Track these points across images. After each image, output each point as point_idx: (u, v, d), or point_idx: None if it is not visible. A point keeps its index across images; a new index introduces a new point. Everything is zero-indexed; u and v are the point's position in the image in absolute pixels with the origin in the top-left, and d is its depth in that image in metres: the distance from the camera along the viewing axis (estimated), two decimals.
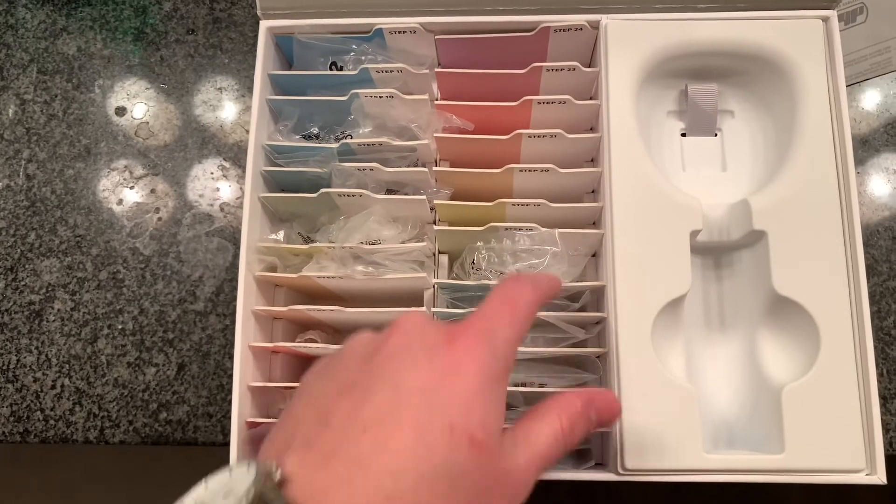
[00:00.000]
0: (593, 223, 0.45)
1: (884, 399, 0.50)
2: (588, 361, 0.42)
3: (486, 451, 0.25)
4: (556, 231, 0.41)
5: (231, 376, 0.53)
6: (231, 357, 0.54)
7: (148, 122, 0.59)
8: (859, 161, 0.55)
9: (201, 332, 0.54)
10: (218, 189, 0.57)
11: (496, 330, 0.28)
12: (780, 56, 0.43)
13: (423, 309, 0.43)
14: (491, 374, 0.27)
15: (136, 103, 0.60)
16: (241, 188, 0.57)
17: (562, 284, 0.34)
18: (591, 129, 0.47)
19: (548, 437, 0.28)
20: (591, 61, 0.47)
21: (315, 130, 0.46)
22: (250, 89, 0.59)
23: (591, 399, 0.30)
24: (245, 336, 0.41)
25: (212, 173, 0.58)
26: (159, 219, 0.57)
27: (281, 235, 0.44)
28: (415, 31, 0.45)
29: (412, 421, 0.25)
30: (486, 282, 0.41)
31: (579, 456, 0.43)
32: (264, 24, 0.45)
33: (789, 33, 0.43)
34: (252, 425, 0.40)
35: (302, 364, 0.49)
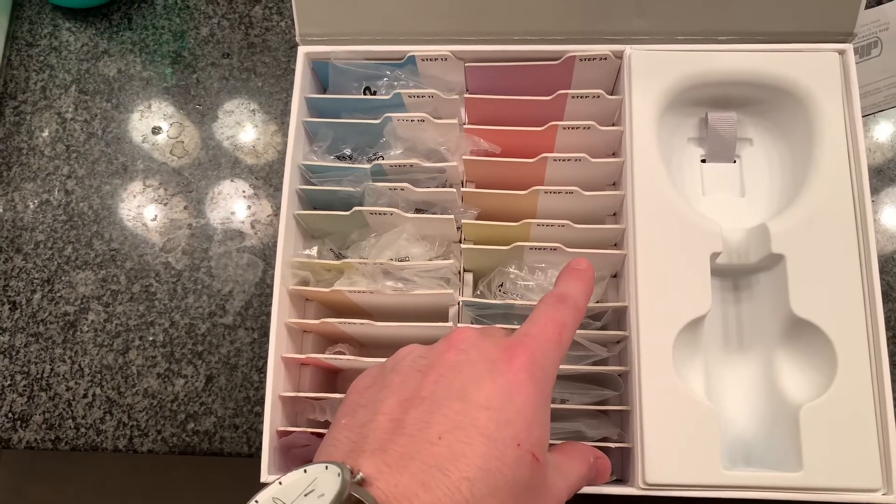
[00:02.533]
0: (615, 245, 0.47)
1: None
2: (609, 379, 0.43)
3: (541, 468, 0.27)
4: (584, 251, 0.43)
5: (258, 388, 0.55)
6: (258, 370, 0.56)
7: (183, 142, 0.61)
8: (874, 190, 0.56)
9: (230, 345, 0.56)
10: (249, 207, 0.59)
11: (546, 351, 0.29)
12: (797, 87, 0.45)
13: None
14: (543, 393, 0.28)
15: (172, 123, 0.62)
16: (271, 206, 0.59)
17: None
18: (613, 154, 0.49)
19: (578, 473, 0.31)
20: (613, 89, 0.49)
21: (348, 152, 0.48)
22: (282, 111, 0.62)
23: (599, 458, 0.34)
24: (278, 347, 0.43)
25: (243, 191, 0.60)
26: (191, 235, 0.59)
27: (314, 251, 0.46)
28: (446, 59, 0.47)
29: (484, 433, 0.26)
30: (511, 302, 0.42)
31: None
32: (302, 50, 0.47)
33: (807, 65, 0.45)
34: (283, 434, 0.42)
35: (327, 376, 0.50)
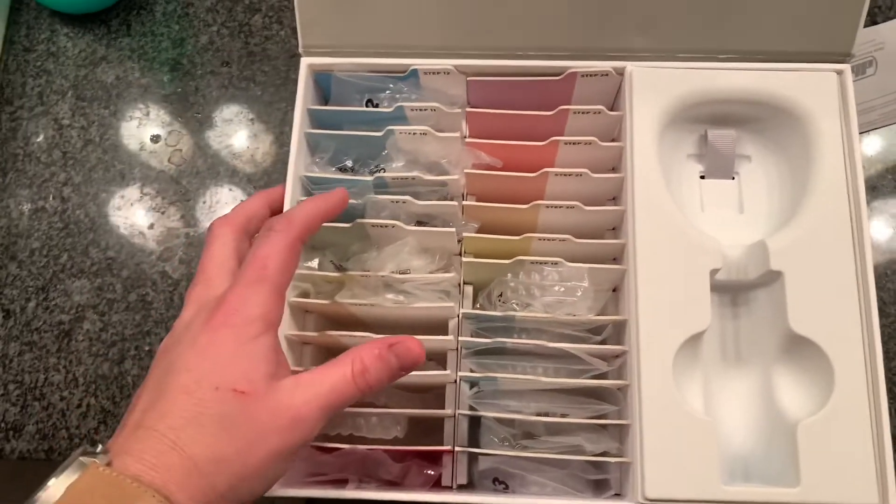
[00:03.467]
0: (613, 259, 0.47)
1: None
2: (609, 393, 0.43)
3: (252, 397, 0.32)
4: (584, 266, 0.43)
5: None
6: None
7: (181, 150, 0.61)
8: (868, 206, 0.57)
9: None
10: None
11: (246, 299, 0.34)
12: (796, 106, 0.45)
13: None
14: (245, 336, 0.33)
15: (171, 131, 0.62)
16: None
17: (337, 200, 0.40)
18: (613, 169, 0.49)
19: (333, 380, 0.34)
20: (614, 105, 0.49)
21: (349, 163, 0.48)
22: (282, 121, 0.62)
23: (391, 345, 0.36)
24: None
25: (241, 200, 0.59)
26: (189, 244, 0.59)
27: (315, 263, 0.46)
28: (448, 73, 0.47)
29: (184, 390, 0.32)
30: (512, 312, 0.42)
31: (598, 486, 0.44)
32: (305, 61, 0.47)
33: (805, 85, 0.45)
34: None
35: None
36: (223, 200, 0.60)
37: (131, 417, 0.33)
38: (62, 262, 0.59)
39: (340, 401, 0.34)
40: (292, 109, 0.61)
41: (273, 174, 0.60)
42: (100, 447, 0.31)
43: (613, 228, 0.48)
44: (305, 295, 0.45)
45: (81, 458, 0.30)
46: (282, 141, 0.61)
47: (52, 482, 0.29)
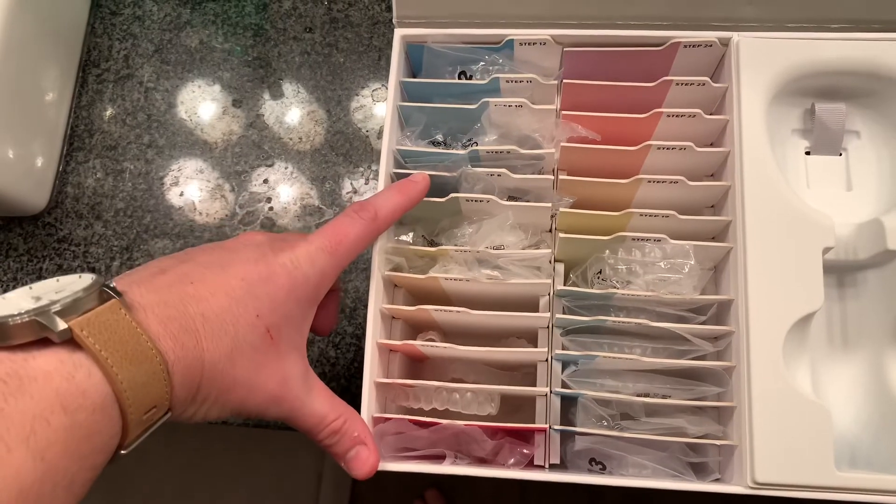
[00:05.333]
0: (712, 238, 0.46)
1: None
2: (709, 374, 0.42)
3: (274, 345, 0.34)
4: (688, 243, 0.42)
5: (333, 365, 0.56)
6: (335, 346, 0.56)
7: (263, 115, 0.61)
8: None
9: None
10: (327, 184, 0.59)
11: (313, 257, 0.36)
12: None
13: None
14: (297, 291, 0.35)
15: (253, 96, 0.62)
16: (350, 184, 0.59)
17: (419, 192, 0.42)
18: (710, 144, 0.47)
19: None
20: (712, 77, 0.47)
21: (440, 137, 0.47)
22: (363, 87, 0.61)
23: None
24: (374, 333, 0.43)
25: (323, 167, 0.59)
26: (270, 208, 0.59)
27: (409, 237, 0.45)
28: (544, 43, 0.46)
29: (230, 294, 0.33)
30: (613, 290, 0.42)
31: (696, 469, 0.43)
32: (399, 32, 0.46)
33: None
34: (379, 420, 0.42)
35: (412, 365, 0.50)
36: (305, 166, 0.60)
37: (161, 276, 0.32)
38: (145, 223, 0.59)
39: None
40: (374, 77, 0.62)
41: (355, 142, 0.60)
42: (112, 283, 0.30)
43: (712, 206, 0.47)
44: (399, 269, 0.45)
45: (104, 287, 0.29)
46: (363, 108, 0.60)
47: (60, 302, 0.27)
